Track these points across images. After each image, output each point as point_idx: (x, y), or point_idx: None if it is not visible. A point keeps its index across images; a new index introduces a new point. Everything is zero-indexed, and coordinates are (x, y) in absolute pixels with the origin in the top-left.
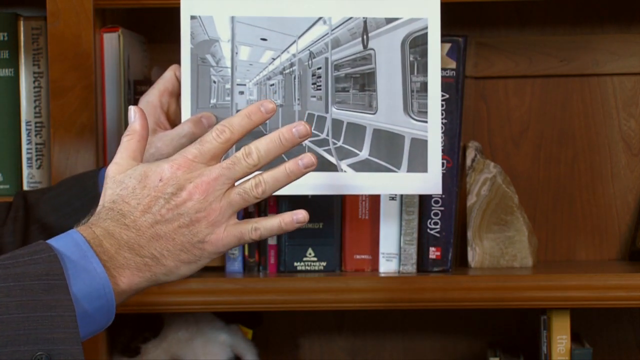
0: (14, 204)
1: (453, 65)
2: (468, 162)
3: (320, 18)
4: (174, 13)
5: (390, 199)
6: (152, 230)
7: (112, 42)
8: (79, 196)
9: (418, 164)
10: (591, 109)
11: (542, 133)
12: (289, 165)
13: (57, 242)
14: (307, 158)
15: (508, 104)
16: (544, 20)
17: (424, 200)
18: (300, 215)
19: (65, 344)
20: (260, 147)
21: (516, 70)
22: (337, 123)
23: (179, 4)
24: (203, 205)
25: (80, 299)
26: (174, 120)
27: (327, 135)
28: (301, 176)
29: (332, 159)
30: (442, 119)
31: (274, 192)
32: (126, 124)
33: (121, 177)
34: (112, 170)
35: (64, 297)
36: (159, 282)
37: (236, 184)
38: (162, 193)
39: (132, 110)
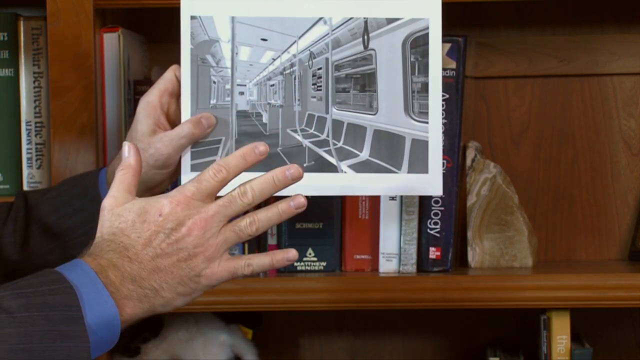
0: (15, 204)
1: (453, 65)
2: (468, 162)
3: (320, 18)
4: (174, 13)
5: (390, 199)
6: (153, 263)
7: (112, 42)
8: (80, 197)
9: (419, 165)
10: (591, 109)
11: (542, 133)
12: (282, 206)
13: (69, 272)
14: (299, 200)
15: (508, 104)
16: (544, 20)
17: (424, 201)
18: (291, 254)
19: None
20: (255, 187)
21: (516, 70)
22: (337, 124)
23: (179, 4)
24: (201, 241)
25: (93, 328)
26: (173, 120)
27: (328, 136)
28: (292, 216)
29: (333, 160)
30: (442, 119)
31: (267, 229)
32: (126, 124)
33: (119, 211)
34: (108, 202)
35: (81, 328)
36: (155, 312)
37: (232, 221)
38: (162, 228)
39: (127, 146)
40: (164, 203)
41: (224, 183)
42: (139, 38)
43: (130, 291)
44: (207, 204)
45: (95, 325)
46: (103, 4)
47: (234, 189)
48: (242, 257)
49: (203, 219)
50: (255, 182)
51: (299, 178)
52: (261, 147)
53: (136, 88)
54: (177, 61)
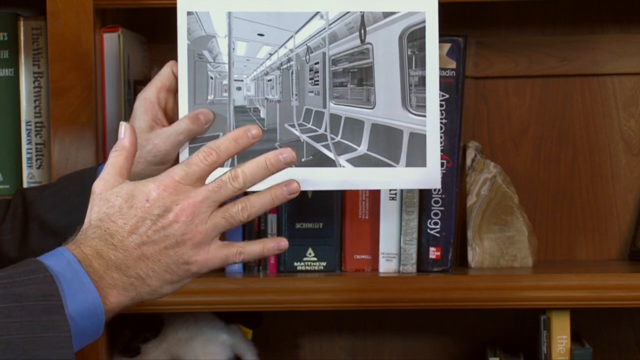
0: (13, 201)
1: (453, 65)
2: (468, 162)
3: (317, 13)
4: (174, 13)
5: (390, 199)
6: (138, 251)
7: (112, 42)
8: (78, 193)
9: (417, 158)
10: (591, 109)
11: (542, 133)
12: (275, 191)
13: (50, 261)
14: (292, 185)
15: (508, 104)
16: (544, 20)
17: (424, 200)
18: (282, 244)
19: None
20: (246, 171)
21: (516, 70)
22: (335, 118)
23: None
24: (189, 227)
25: (74, 318)
26: (171, 116)
27: (325, 130)
28: (285, 202)
29: (331, 154)
30: (442, 119)
31: (259, 215)
32: None
33: (107, 195)
34: (98, 186)
35: (61, 317)
36: (142, 300)
37: (222, 206)
38: (149, 214)
39: (123, 126)
40: (151, 188)
41: (214, 167)
42: (139, 38)
43: (115, 279)
44: (196, 188)
45: (77, 314)
46: (103, 4)
47: (225, 173)
48: (234, 244)
49: (191, 205)
50: (246, 166)
51: (293, 162)
52: (254, 130)
53: (136, 88)
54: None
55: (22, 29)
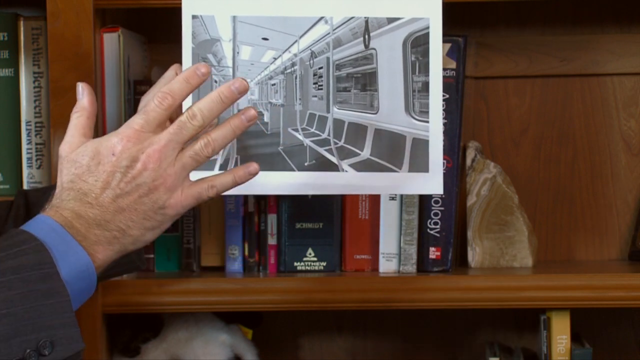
0: (15, 202)
1: (453, 65)
2: (468, 162)
3: (321, 18)
4: (174, 13)
5: (390, 199)
6: (115, 205)
7: (112, 42)
8: None
9: (419, 164)
10: (591, 109)
11: (542, 133)
12: (234, 122)
13: (34, 229)
14: (249, 112)
15: (508, 104)
16: (544, 20)
17: (424, 200)
18: (252, 168)
19: (65, 328)
20: (202, 108)
21: (516, 70)
22: (338, 123)
23: (180, 4)
24: (158, 172)
25: (69, 281)
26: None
27: (329, 135)
28: (245, 130)
29: (334, 159)
30: (442, 119)
31: (222, 148)
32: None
33: (74, 156)
34: (64, 149)
35: (58, 284)
36: (127, 251)
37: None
38: (117, 167)
39: (80, 86)
40: (115, 141)
41: (170, 110)
42: (139, 38)
43: (98, 236)
44: (157, 134)
45: (71, 277)
46: (103, 4)
47: (182, 114)
48: (204, 180)
49: (157, 151)
50: (202, 103)
51: (245, 91)
52: (202, 68)
53: (136, 88)
54: (178, 61)
55: (22, 29)
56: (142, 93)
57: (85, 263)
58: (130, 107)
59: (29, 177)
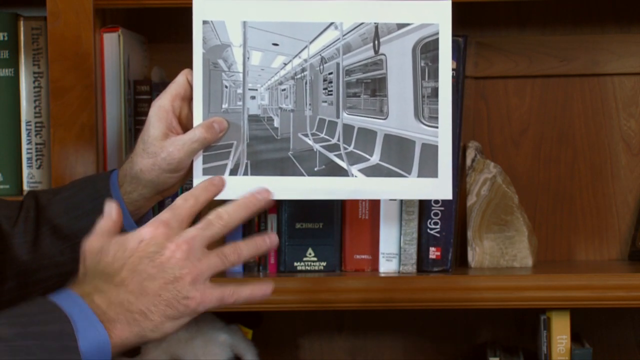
0: (25, 204)
1: (453, 65)
2: (468, 162)
3: (331, 23)
4: (174, 13)
5: (390, 199)
6: (140, 287)
7: (112, 42)
8: (91, 198)
9: (429, 169)
10: (591, 109)
11: (542, 133)
12: (259, 242)
13: (60, 301)
14: (273, 239)
15: (508, 104)
16: (544, 20)
17: (424, 201)
18: (268, 287)
19: None
20: (229, 210)
21: (516, 70)
22: (348, 128)
23: (180, 4)
24: (186, 263)
25: (86, 356)
26: (186, 124)
27: (338, 140)
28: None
29: (343, 164)
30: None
31: (248, 259)
32: (126, 124)
33: (99, 247)
34: (88, 244)
35: (76, 357)
36: (146, 338)
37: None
38: (145, 252)
39: (108, 205)
40: (143, 231)
41: (195, 209)
42: (139, 38)
43: (118, 314)
44: (184, 229)
45: (88, 351)
46: (103, 4)
47: (209, 213)
48: (228, 285)
49: (185, 242)
50: (228, 206)
51: (271, 202)
52: (220, 181)
53: (136, 88)
54: (178, 61)
55: (22, 29)
56: (142, 93)
57: (103, 340)
58: (130, 107)
59: (29, 177)
